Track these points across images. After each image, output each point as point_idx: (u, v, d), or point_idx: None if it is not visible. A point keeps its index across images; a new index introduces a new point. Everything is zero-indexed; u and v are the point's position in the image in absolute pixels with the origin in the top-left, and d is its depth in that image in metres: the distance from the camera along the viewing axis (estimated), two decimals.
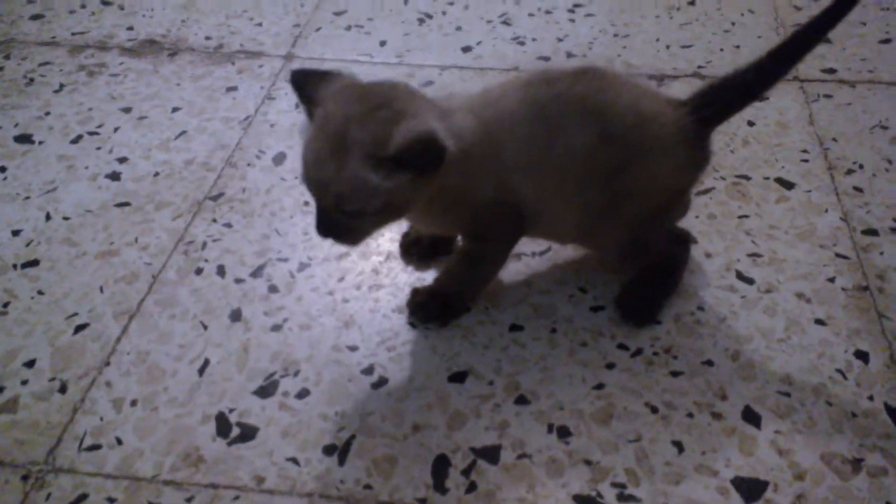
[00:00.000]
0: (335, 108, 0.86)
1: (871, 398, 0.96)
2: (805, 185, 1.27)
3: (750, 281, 1.12)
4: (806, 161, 1.32)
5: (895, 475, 0.88)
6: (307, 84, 0.90)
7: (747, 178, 1.30)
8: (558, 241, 1.14)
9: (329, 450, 0.94)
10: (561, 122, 0.93)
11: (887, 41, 1.61)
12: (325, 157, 0.84)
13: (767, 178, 1.29)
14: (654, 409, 0.97)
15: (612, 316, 1.08)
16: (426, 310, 1.09)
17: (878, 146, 1.34)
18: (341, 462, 0.93)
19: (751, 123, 1.40)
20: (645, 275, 1.07)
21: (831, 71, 1.53)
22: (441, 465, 0.92)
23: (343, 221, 0.88)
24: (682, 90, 1.48)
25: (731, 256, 1.16)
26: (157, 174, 1.36)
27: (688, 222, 1.15)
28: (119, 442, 0.95)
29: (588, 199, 0.97)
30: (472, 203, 0.96)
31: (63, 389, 1.01)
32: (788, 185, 1.27)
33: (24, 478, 0.91)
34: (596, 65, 0.99)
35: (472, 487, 0.89)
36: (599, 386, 1.00)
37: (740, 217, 1.22)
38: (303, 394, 1.00)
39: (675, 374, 1.01)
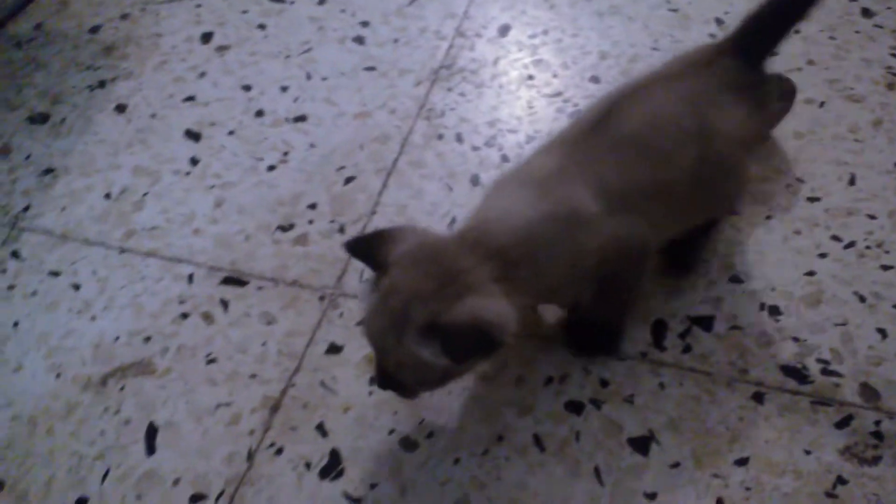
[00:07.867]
0: (400, 278, 0.82)
1: None
2: None
3: None
4: None
5: None
6: (369, 252, 0.86)
7: None
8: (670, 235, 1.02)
9: None
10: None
11: None
12: (386, 329, 0.82)
13: None
14: (863, 299, 1.05)
15: (828, 207, 1.15)
16: (591, 344, 1.04)
17: None
18: None
19: None
20: None
21: None
22: (659, 328, 1.06)
23: (404, 382, 0.87)
24: None
25: None
26: (396, 41, 1.50)
27: None
28: None
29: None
30: (585, 272, 0.90)
31: (342, 230, 1.22)
32: None
33: (321, 298, 1.14)
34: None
35: (687, 349, 1.04)
36: (811, 273, 1.09)
37: None
38: None
39: (885, 267, 1.08)
